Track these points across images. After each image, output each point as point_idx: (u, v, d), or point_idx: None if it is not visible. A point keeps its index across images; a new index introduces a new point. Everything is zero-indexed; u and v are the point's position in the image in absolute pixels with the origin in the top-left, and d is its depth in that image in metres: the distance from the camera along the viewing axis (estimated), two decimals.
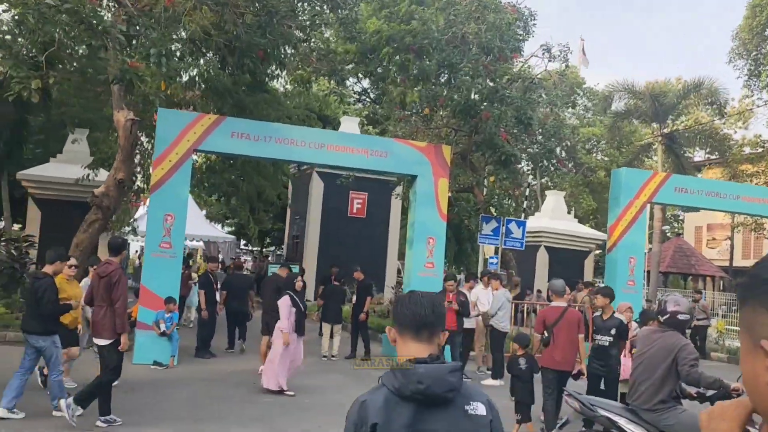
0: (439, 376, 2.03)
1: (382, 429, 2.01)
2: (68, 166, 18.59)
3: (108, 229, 12.31)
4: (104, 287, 7.10)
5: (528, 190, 33.83)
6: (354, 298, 13.28)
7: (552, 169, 14.33)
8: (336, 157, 12.41)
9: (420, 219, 12.84)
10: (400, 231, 24.70)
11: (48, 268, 7.56)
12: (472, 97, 12.76)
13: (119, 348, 7.14)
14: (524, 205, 32.74)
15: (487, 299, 12.08)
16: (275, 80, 14.73)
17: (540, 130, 13.57)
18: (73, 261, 8.31)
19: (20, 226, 18.74)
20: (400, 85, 19.27)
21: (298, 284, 9.53)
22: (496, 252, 27.79)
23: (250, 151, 11.92)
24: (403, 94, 20.74)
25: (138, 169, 13.47)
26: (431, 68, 13.22)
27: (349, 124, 24.33)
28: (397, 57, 24.54)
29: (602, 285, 12.30)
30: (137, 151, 12.38)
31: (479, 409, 2.11)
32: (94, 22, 7.68)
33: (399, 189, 24.17)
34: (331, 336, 12.91)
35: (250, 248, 39.13)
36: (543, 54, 14.02)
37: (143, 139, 13.11)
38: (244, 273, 14.14)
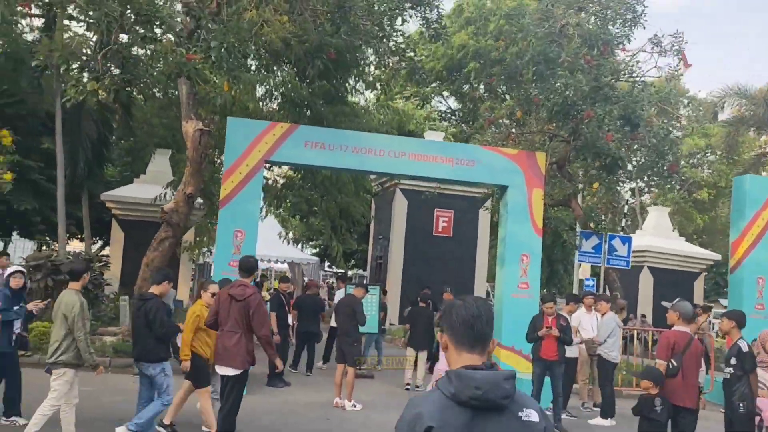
0: (495, 383, 2.05)
1: None
2: (151, 187, 18.45)
3: (179, 248, 11.64)
4: (239, 312, 6.35)
5: (626, 207, 31.55)
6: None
7: (665, 176, 12.59)
8: (418, 167, 11.31)
9: (512, 234, 11.51)
10: (489, 251, 23.27)
11: (155, 289, 7.07)
12: (572, 95, 11.35)
13: (277, 370, 6.86)
14: (622, 224, 30.46)
15: (591, 324, 10.57)
16: (354, 94, 13.88)
17: (651, 132, 11.97)
18: (213, 288, 7.43)
19: (100, 246, 18.69)
20: (487, 100, 18.06)
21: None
22: (592, 273, 25.85)
23: (324, 161, 11.01)
24: (491, 110, 19.55)
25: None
26: (523, 66, 11.94)
27: (434, 138, 23.29)
28: (483, 73, 23.38)
29: (727, 310, 10.54)
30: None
31: (532, 415, 2.12)
32: (149, 10, 6.99)
33: (488, 203, 22.86)
34: (416, 364, 11.74)
35: (334, 270, 38.55)
36: (652, 48, 12.46)
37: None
38: (316, 294, 13.20)
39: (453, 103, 39.04)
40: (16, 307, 7.36)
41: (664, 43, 12.45)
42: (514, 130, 12.66)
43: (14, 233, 19.60)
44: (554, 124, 12.47)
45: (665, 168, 12.19)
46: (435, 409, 2.03)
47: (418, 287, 21.65)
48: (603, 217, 16.18)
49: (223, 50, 7.59)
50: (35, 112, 17.90)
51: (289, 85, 11.51)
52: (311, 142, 10.93)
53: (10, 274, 7.68)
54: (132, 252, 18.33)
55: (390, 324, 21.14)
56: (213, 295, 7.08)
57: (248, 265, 6.65)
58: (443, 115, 36.44)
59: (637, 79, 12.54)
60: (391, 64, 11.92)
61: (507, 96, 13.59)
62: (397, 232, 22.28)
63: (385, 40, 11.02)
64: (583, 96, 11.59)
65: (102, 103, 17.00)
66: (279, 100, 12.27)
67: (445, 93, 38.80)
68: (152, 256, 11.25)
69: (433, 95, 38.33)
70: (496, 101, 14.17)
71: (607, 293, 14.49)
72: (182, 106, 10.61)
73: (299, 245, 33.58)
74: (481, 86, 23.23)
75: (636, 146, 12.86)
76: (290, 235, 21.38)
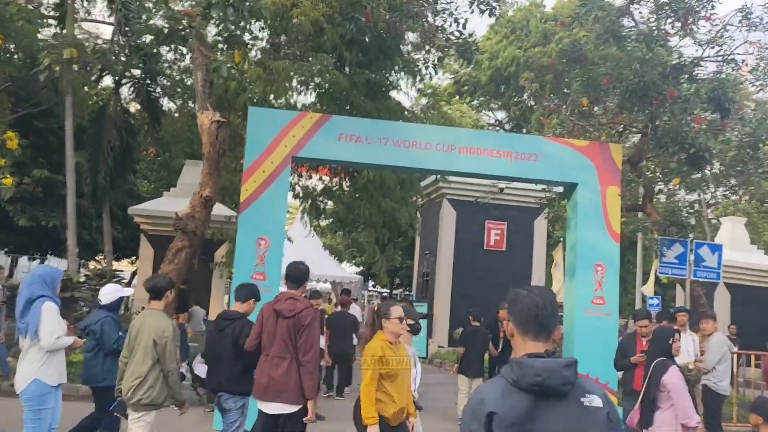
0: (554, 370, 2.11)
1: (499, 418, 2.09)
2: (182, 200, 17.20)
3: (196, 259, 10.23)
4: (288, 332, 5.07)
5: (694, 217, 28.96)
6: (501, 344, 10.29)
7: (759, 172, 10.62)
8: (471, 162, 9.64)
9: (584, 240, 9.71)
10: (545, 267, 21.32)
11: (239, 307, 5.86)
12: (650, 73, 9.54)
13: (305, 418, 5.08)
14: (690, 237, 28.00)
15: (688, 347, 8.67)
16: (398, 88, 12.29)
17: (743, 121, 10.07)
18: (398, 312, 5.13)
19: (130, 262, 17.51)
20: (537, 110, 16.27)
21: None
22: (656, 292, 23.53)
23: (361, 156, 9.45)
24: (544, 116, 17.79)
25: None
26: (588, 43, 10.19)
27: None
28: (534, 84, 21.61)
29: None
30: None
31: (595, 401, 2.17)
32: None
33: (542, 215, 20.94)
34: (470, 393, 10.00)
35: (378, 290, 36.89)
36: (740, 22, 10.60)
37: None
38: (349, 312, 11.64)
39: (501, 114, 37.37)
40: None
41: (755, 15, 10.58)
42: (574, 122, 10.86)
43: (49, 254, 18.62)
44: (626, 114, 10.63)
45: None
46: (497, 395, 2.14)
47: (468, 306, 19.95)
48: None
49: (228, 7, 6.13)
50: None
51: (327, 75, 10.00)
52: (346, 135, 9.40)
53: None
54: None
55: (439, 346, 19.39)
56: (400, 320, 5.05)
57: (297, 273, 5.38)
58: (492, 127, 34.73)
59: (726, 56, 10.65)
60: (437, 43, 10.37)
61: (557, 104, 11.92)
62: (445, 247, 20.55)
63: (428, 15, 9.49)
64: (664, 74, 9.76)
65: (125, 109, 15.95)
66: (315, 92, 10.79)
67: (493, 106, 37.20)
68: (167, 270, 9.84)
69: (480, 109, 36.75)
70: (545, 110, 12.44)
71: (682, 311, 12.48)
72: (197, 95, 9.23)
73: (341, 261, 32.22)
74: (531, 98, 21.52)
75: (725, 136, 10.91)
76: (322, 246, 19.88)
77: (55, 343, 5.13)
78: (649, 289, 20.57)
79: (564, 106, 10.41)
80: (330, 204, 14.12)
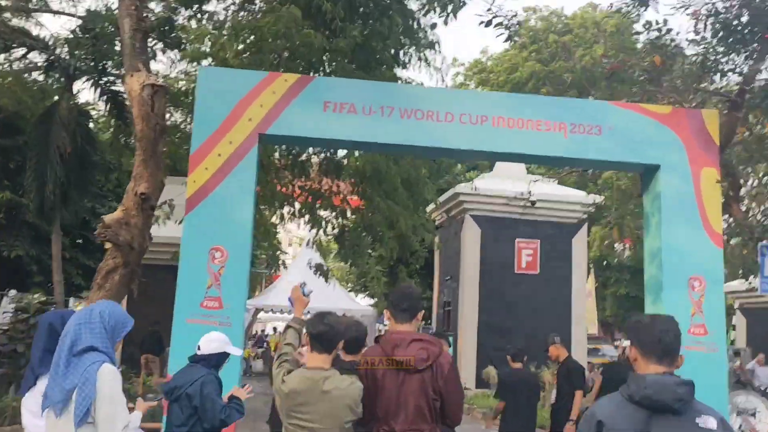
0: (666, 385, 2.28)
1: (608, 429, 2.29)
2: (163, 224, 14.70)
3: (136, 284, 7.52)
4: (424, 390, 3.45)
5: None
6: (554, 392, 7.43)
7: None
8: (508, 138, 6.90)
9: (672, 246, 6.87)
10: (594, 293, 18.39)
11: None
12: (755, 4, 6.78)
13: None
14: None
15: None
16: (399, 61, 9.57)
17: None
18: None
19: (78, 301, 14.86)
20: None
21: None
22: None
23: (356, 133, 6.75)
24: None
25: None
26: None
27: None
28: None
29: None
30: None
31: (709, 423, 2.26)
32: None
33: (582, 231, 18.06)
34: None
35: None
36: None
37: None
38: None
39: None
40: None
41: None
42: (648, 87, 8.07)
43: (9, 289, 16.09)
44: (712, 72, 7.83)
45: None
46: (611, 408, 2.35)
47: (497, 339, 17.10)
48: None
49: None
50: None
51: (295, 34, 7.38)
52: (335, 103, 6.73)
53: None
54: (138, 304, 14.49)
55: (465, 388, 16.39)
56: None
57: (411, 301, 3.68)
58: None
59: None
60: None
61: None
62: (469, 271, 17.68)
63: None
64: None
65: (81, 108, 13.45)
66: (276, 60, 8.09)
67: None
68: (95, 299, 7.14)
69: None
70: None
71: None
72: (123, 50, 6.61)
73: (351, 291, 29.38)
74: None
75: None
76: (334, 278, 17.04)
77: None
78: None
79: (629, 63, 7.64)
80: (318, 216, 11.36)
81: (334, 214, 11.01)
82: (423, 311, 3.87)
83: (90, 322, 3.19)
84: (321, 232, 11.36)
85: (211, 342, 4.60)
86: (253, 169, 6.60)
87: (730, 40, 7.04)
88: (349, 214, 11.03)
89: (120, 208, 6.95)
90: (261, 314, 27.06)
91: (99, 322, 3.21)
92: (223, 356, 4.64)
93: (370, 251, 12.73)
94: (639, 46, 9.00)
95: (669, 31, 7.46)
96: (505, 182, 17.05)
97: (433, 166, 16.47)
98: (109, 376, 3.11)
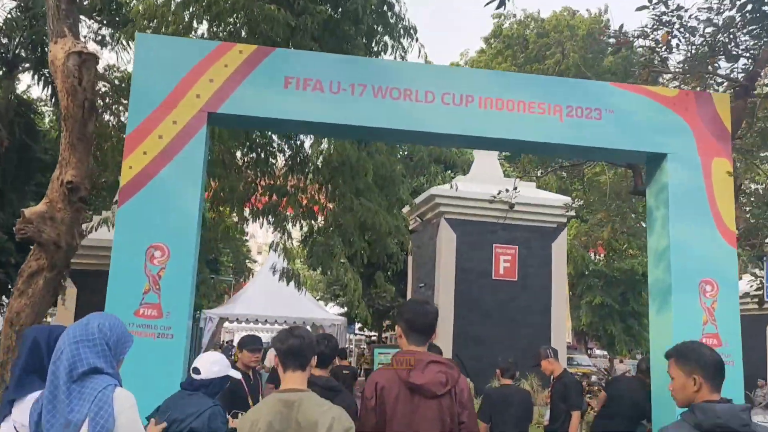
0: (734, 413, 2.46)
1: None
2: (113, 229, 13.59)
3: (64, 280, 6.50)
4: (441, 418, 3.14)
5: None
6: (547, 414, 6.54)
7: None
8: (496, 122, 6.03)
9: (680, 245, 6.07)
10: (568, 301, 17.67)
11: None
12: None
13: None
14: None
15: None
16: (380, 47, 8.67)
17: None
18: None
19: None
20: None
21: None
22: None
23: (322, 114, 5.81)
24: None
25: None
26: None
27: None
28: None
29: None
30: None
31: None
32: None
33: (562, 236, 17.37)
34: None
35: (366, 333, 32.83)
36: None
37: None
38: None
39: None
40: None
41: None
42: (647, 67, 7.28)
43: None
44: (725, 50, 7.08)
45: None
46: None
47: (474, 349, 16.33)
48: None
49: None
50: None
51: (255, 6, 6.45)
52: (298, 79, 5.79)
53: None
54: (89, 312, 13.38)
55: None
56: None
57: (427, 319, 3.36)
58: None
59: None
60: None
61: None
62: (444, 278, 16.84)
63: None
64: None
65: (22, 100, 12.25)
66: (237, 34, 7.15)
67: None
68: (18, 306, 6.11)
69: None
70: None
71: None
72: (48, 12, 5.59)
73: (324, 302, 28.35)
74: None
75: None
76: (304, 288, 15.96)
77: None
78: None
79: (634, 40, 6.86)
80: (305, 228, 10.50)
81: (301, 212, 10.06)
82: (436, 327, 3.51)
83: (89, 339, 2.70)
84: (286, 236, 10.45)
85: (213, 365, 3.98)
86: (201, 154, 5.63)
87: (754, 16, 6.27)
88: (317, 214, 10.12)
89: (44, 200, 5.91)
90: (226, 323, 25.98)
91: (99, 338, 2.73)
92: (225, 381, 4.05)
93: (341, 257, 11.88)
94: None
95: (679, 8, 6.67)
96: (482, 185, 16.28)
97: (408, 164, 15.64)
98: (127, 403, 2.67)
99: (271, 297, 20.35)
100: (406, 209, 17.41)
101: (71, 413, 2.55)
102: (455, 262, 16.80)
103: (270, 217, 10.15)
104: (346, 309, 28.54)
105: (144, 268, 5.37)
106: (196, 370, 3.94)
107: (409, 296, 20.19)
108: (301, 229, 10.66)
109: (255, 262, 44.68)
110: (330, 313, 24.86)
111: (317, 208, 10.08)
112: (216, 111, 5.68)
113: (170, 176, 5.50)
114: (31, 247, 6.23)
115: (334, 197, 8.79)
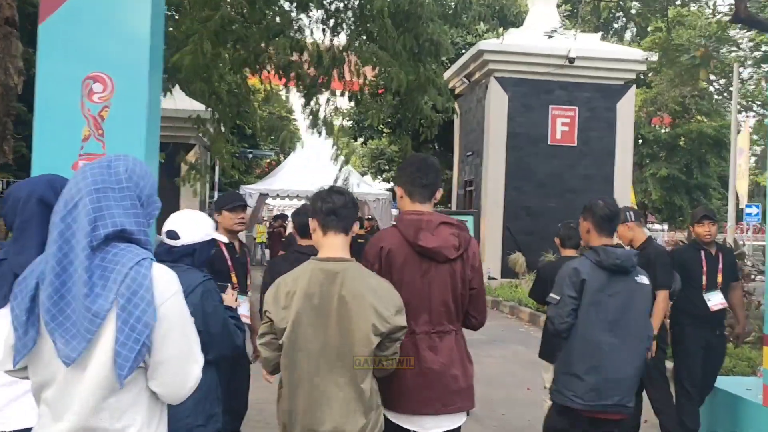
0: (627, 257, 3.41)
1: (588, 284, 3.37)
2: None
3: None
4: (452, 284, 2.97)
5: None
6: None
7: None
8: None
9: None
10: (633, 169, 16.04)
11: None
12: None
13: None
14: None
15: None
16: None
17: None
18: None
19: None
20: None
21: None
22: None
23: None
24: None
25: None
26: None
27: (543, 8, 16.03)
28: None
29: None
30: None
31: (644, 279, 3.48)
32: None
33: (629, 95, 15.45)
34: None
35: None
36: None
37: None
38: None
39: None
40: None
41: None
42: None
43: None
44: None
45: None
46: (587, 269, 3.41)
47: (527, 222, 15.19)
48: None
49: None
50: None
51: None
52: None
53: None
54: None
55: (489, 278, 14.47)
56: None
57: (432, 174, 3.11)
58: None
59: None
60: None
61: None
62: (495, 145, 15.39)
63: None
64: None
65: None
66: None
67: None
68: None
69: None
70: None
71: None
72: None
73: (366, 174, 27.30)
74: None
75: None
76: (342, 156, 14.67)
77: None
78: (741, 186, 14.95)
79: None
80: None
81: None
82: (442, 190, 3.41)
83: (115, 188, 1.81)
84: (326, 105, 9.43)
85: (195, 225, 3.17)
86: None
87: None
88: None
89: None
90: (268, 200, 25.42)
91: (131, 187, 1.84)
92: (212, 246, 3.30)
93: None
94: None
95: None
96: (538, 38, 14.32)
97: (451, 20, 13.76)
98: (171, 287, 1.84)
99: (312, 171, 19.38)
100: (449, 73, 15.55)
101: (91, 299, 1.68)
102: (506, 126, 15.32)
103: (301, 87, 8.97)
104: (392, 185, 27.52)
105: (81, 107, 4.02)
106: (173, 234, 3.09)
107: (456, 167, 18.80)
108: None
109: (299, 140, 43.85)
110: (375, 187, 23.90)
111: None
112: None
113: None
114: None
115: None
